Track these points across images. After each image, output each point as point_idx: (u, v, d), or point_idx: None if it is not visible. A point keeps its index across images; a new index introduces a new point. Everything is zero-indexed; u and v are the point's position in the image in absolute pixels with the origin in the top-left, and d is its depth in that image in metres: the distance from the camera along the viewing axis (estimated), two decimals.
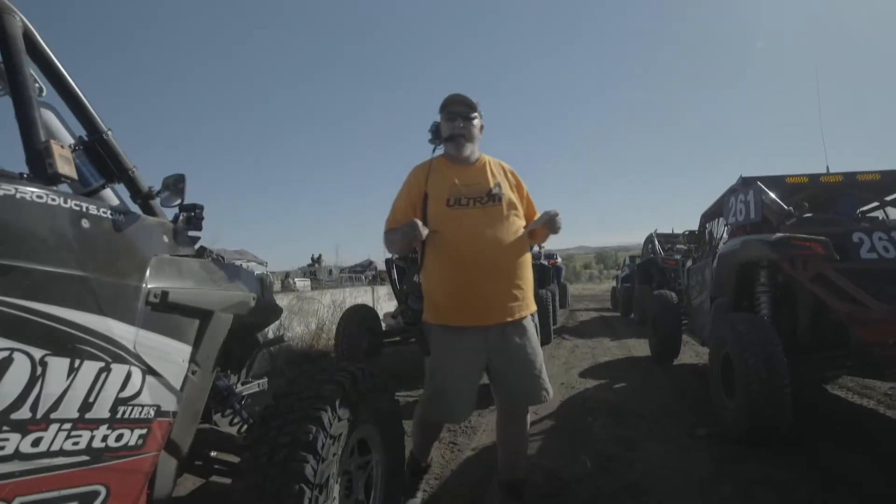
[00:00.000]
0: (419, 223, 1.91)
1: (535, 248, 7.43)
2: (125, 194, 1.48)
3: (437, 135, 2.15)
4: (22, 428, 0.90)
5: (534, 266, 6.62)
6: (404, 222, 1.99)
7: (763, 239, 3.16)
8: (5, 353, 0.88)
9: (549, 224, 2.04)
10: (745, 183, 3.86)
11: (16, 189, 0.94)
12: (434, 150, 2.16)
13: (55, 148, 1.06)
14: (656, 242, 10.35)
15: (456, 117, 2.06)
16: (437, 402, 2.01)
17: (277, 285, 25.91)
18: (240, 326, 1.69)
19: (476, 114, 2.09)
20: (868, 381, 4.26)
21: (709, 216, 5.11)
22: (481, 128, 2.14)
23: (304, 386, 1.53)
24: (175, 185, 1.48)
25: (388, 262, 5.52)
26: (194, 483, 1.89)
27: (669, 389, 4.45)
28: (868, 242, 3.11)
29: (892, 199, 3.89)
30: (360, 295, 8.39)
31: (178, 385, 1.24)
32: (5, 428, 0.87)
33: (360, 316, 5.14)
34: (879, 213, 4.10)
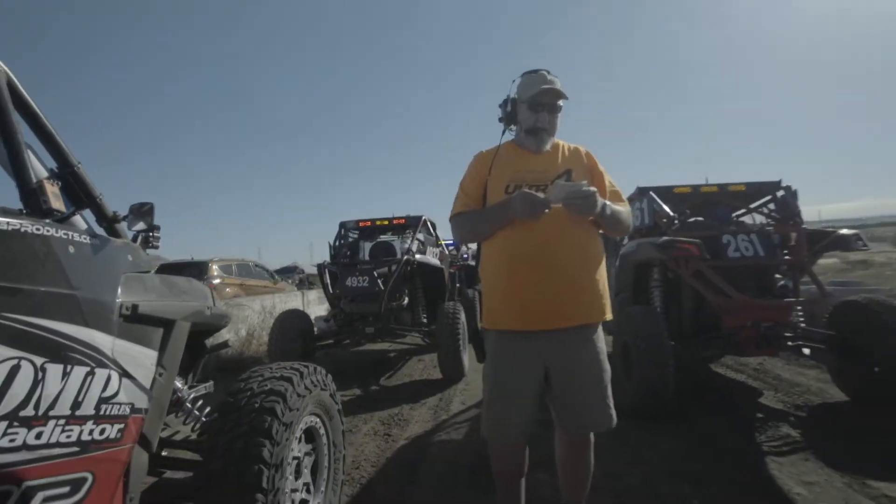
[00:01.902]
0: (534, 193, 1.63)
1: (465, 248, 7.75)
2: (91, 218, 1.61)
3: (510, 118, 1.87)
4: (27, 423, 1.06)
5: (462, 266, 6.98)
6: (478, 206, 1.82)
7: (652, 242, 3.69)
8: (14, 361, 1.04)
9: (572, 203, 1.60)
10: (641, 192, 4.44)
11: (20, 224, 1.10)
12: (504, 133, 1.90)
13: (48, 186, 1.21)
14: None
15: (541, 108, 1.78)
16: (489, 419, 1.79)
17: None
18: (190, 334, 1.86)
19: (562, 102, 1.82)
20: (743, 360, 5.01)
21: None
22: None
23: (256, 383, 1.74)
24: (139, 210, 1.63)
25: (320, 266, 5.66)
26: (145, 483, 2.02)
27: None
28: (734, 243, 3.74)
29: (757, 206, 4.61)
30: (290, 300, 8.37)
31: (148, 385, 1.41)
32: (15, 423, 1.04)
33: (292, 321, 5.23)
34: (748, 218, 4.84)
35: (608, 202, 1.74)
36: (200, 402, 2.00)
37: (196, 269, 9.28)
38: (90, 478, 1.21)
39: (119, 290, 1.37)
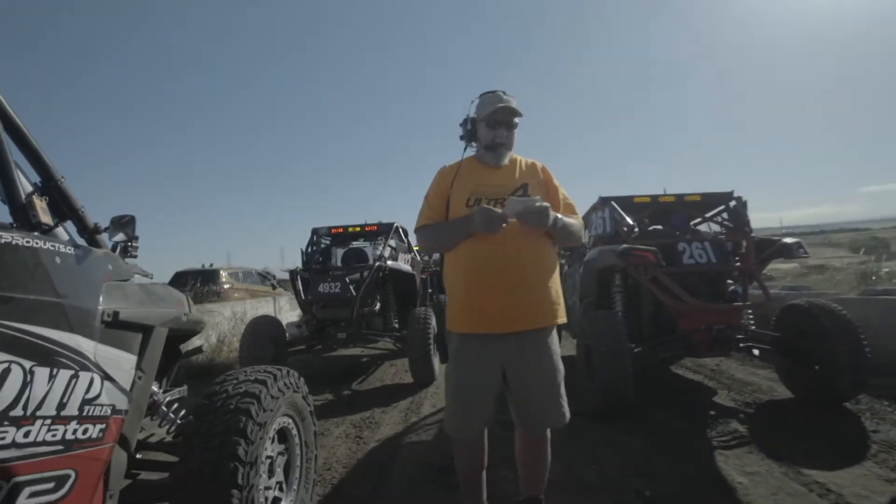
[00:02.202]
0: (492, 209, 1.78)
1: (426, 258, 7.84)
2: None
3: (471, 135, 2.00)
4: (17, 423, 1.13)
5: (434, 272, 7.03)
6: (442, 219, 1.94)
7: (612, 249, 3.89)
8: (5, 365, 1.12)
9: (525, 217, 1.74)
10: (603, 202, 4.65)
11: (12, 237, 1.18)
12: (465, 150, 2.03)
13: (36, 202, 1.28)
14: None
15: (499, 126, 1.91)
16: (450, 414, 1.93)
17: None
18: (166, 339, 1.94)
19: (518, 119, 1.95)
20: (701, 361, 5.28)
21: None
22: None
23: (231, 385, 1.82)
24: (119, 222, 1.70)
25: (292, 272, 5.70)
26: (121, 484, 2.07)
27: None
28: (689, 251, 3.97)
29: (711, 216, 4.88)
30: (261, 306, 8.34)
31: (127, 388, 1.49)
32: (5, 423, 1.11)
33: (264, 326, 5.25)
34: (704, 226, 5.10)
35: (560, 216, 1.89)
36: (175, 406, 2.06)
37: (210, 276, 10.94)
38: (73, 475, 1.28)
39: (101, 298, 1.44)
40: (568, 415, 1.91)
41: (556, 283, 1.93)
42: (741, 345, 3.84)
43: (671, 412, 3.71)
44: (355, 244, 6.79)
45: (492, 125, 1.92)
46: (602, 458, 2.90)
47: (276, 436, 2.00)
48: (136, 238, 1.72)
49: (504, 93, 1.97)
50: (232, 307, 7.52)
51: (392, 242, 6.13)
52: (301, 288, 5.42)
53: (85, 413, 1.32)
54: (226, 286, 10.79)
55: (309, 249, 6.14)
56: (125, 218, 1.73)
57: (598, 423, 3.49)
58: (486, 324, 1.83)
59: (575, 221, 1.98)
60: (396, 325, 5.80)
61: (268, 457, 1.91)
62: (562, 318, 1.92)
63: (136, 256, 1.74)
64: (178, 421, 1.99)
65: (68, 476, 1.27)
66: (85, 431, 1.32)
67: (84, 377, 1.32)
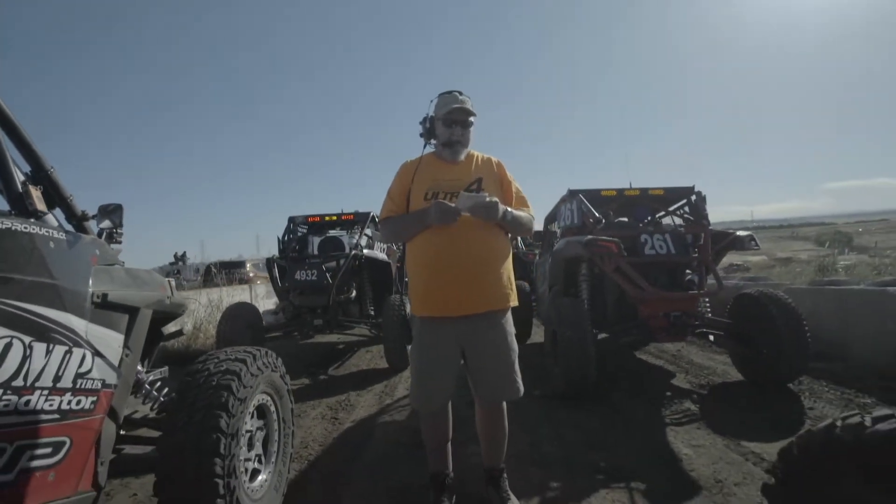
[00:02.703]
0: (447, 203, 1.94)
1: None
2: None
3: (430, 133, 2.15)
4: (18, 392, 1.25)
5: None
6: (403, 211, 2.09)
7: (578, 240, 4.09)
8: (7, 340, 1.22)
9: (476, 211, 1.91)
10: (571, 194, 4.85)
11: (11, 223, 1.28)
12: (425, 146, 2.18)
13: (32, 190, 1.38)
14: (518, 239, 11.63)
15: (454, 124, 2.06)
16: (414, 390, 2.12)
17: None
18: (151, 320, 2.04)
19: (473, 118, 2.10)
20: (664, 346, 5.58)
21: (549, 220, 6.17)
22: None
23: (213, 364, 1.95)
24: (106, 210, 1.80)
25: (269, 260, 5.77)
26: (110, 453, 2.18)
27: (519, 364, 5.35)
28: (650, 242, 4.20)
29: (674, 209, 5.12)
30: (237, 294, 8.36)
31: (116, 364, 1.60)
32: (9, 392, 1.22)
33: (241, 312, 5.33)
34: (667, 220, 5.35)
35: (510, 209, 2.07)
36: (158, 384, 2.17)
37: (237, 266, 15.50)
38: (68, 442, 1.40)
39: (91, 280, 1.55)
40: (521, 388, 2.11)
41: (508, 269, 2.11)
42: (697, 331, 4.09)
43: (631, 394, 3.95)
44: (332, 233, 6.88)
45: (448, 124, 2.08)
46: (564, 436, 3.11)
47: (255, 411, 2.14)
48: (121, 225, 1.82)
49: (460, 93, 2.12)
50: (208, 294, 7.54)
51: (368, 231, 6.24)
52: (277, 275, 5.50)
53: (78, 386, 1.43)
54: (250, 274, 13.82)
55: (286, 237, 6.21)
56: (111, 206, 1.83)
57: (564, 405, 3.70)
58: (444, 308, 2.01)
59: (525, 214, 2.16)
60: (372, 312, 5.94)
61: (247, 431, 2.04)
62: (513, 302, 2.10)
63: (120, 242, 1.84)
64: (161, 398, 2.10)
65: (63, 442, 1.38)
66: (78, 402, 1.43)
67: (77, 353, 1.43)
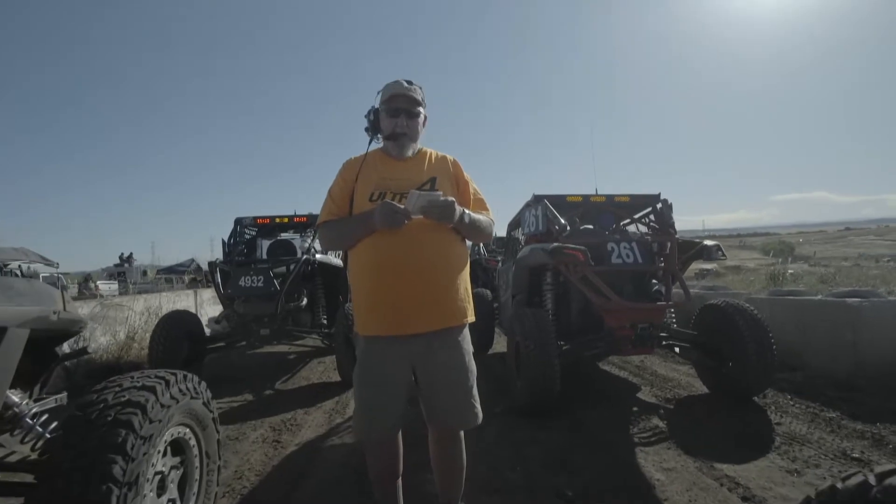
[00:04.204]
0: (394, 204, 1.68)
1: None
2: None
3: (374, 126, 1.88)
4: None
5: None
6: (345, 214, 1.83)
7: (543, 247, 3.89)
8: None
9: (429, 212, 1.65)
10: (536, 199, 4.65)
11: None
12: (370, 142, 1.91)
13: None
14: (481, 245, 11.43)
15: (399, 113, 1.81)
16: (357, 419, 1.82)
17: (73, 290, 22.24)
18: (35, 341, 1.66)
19: (421, 108, 1.87)
20: (627, 358, 5.45)
21: (513, 225, 5.97)
22: (425, 120, 1.91)
23: (112, 394, 1.59)
24: None
25: (211, 265, 5.32)
26: None
27: (480, 377, 5.05)
28: (617, 251, 4.04)
29: (639, 217, 5.01)
30: (180, 300, 7.77)
31: None
32: None
33: (177, 322, 4.86)
34: (632, 227, 5.24)
35: (468, 211, 1.81)
36: (45, 417, 1.78)
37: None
38: None
39: None
40: (480, 415, 1.84)
41: (465, 280, 1.84)
42: (663, 343, 3.96)
43: (596, 408, 3.77)
44: (284, 236, 6.45)
45: (392, 113, 1.83)
46: (526, 456, 2.89)
47: (168, 448, 1.79)
48: None
49: (408, 82, 1.86)
50: (145, 300, 6.96)
51: None
52: (220, 281, 5.06)
53: None
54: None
55: (231, 240, 5.75)
56: None
57: (526, 420, 3.48)
58: (392, 325, 1.73)
59: (484, 218, 1.90)
60: (325, 322, 5.56)
61: (157, 473, 1.70)
62: (470, 318, 1.83)
63: None
64: (48, 435, 1.72)
65: None
66: None
67: None
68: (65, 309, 1.72)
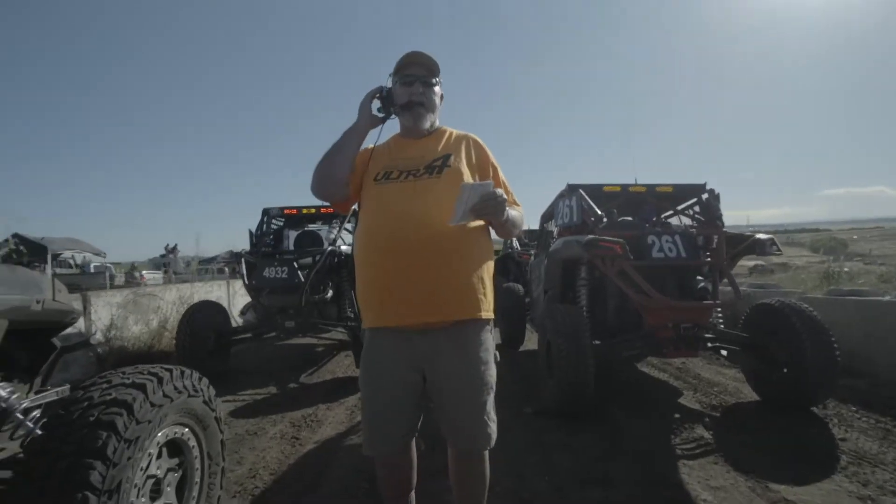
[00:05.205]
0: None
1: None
2: None
3: (388, 103, 1.71)
4: None
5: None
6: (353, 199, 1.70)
7: (578, 240, 3.63)
8: None
9: (481, 209, 1.45)
10: (571, 190, 4.38)
11: None
12: (382, 127, 1.73)
13: None
14: (514, 238, 11.16)
15: (414, 81, 1.67)
16: (363, 433, 1.65)
17: (121, 278, 23.12)
18: (24, 332, 1.56)
19: (437, 79, 1.71)
20: (667, 359, 5.11)
21: (546, 217, 5.69)
22: (441, 97, 1.75)
23: (99, 391, 1.47)
24: None
25: (237, 255, 5.29)
26: None
27: (510, 374, 4.89)
28: (658, 244, 3.74)
29: (683, 208, 4.66)
30: (212, 290, 7.84)
31: None
32: None
33: (204, 313, 4.84)
34: (675, 219, 4.90)
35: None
36: (38, 412, 1.68)
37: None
38: None
39: None
40: (493, 436, 1.58)
41: (484, 272, 1.59)
42: (709, 345, 3.64)
43: (633, 413, 3.50)
44: (311, 227, 6.37)
45: (406, 82, 1.66)
46: (556, 463, 2.67)
47: (164, 450, 1.66)
48: None
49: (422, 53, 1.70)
50: (178, 290, 7.02)
51: (349, 226, 5.76)
52: (246, 272, 5.00)
53: None
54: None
55: (258, 231, 5.70)
56: None
57: (556, 423, 3.26)
58: (391, 313, 1.53)
59: (517, 213, 1.66)
60: (351, 315, 5.44)
61: (149, 477, 1.57)
62: (485, 313, 1.58)
63: None
64: (38, 431, 1.62)
65: None
66: None
67: None
68: (54, 298, 1.61)
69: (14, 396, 1.61)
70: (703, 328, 3.59)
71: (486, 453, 1.64)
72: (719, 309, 3.88)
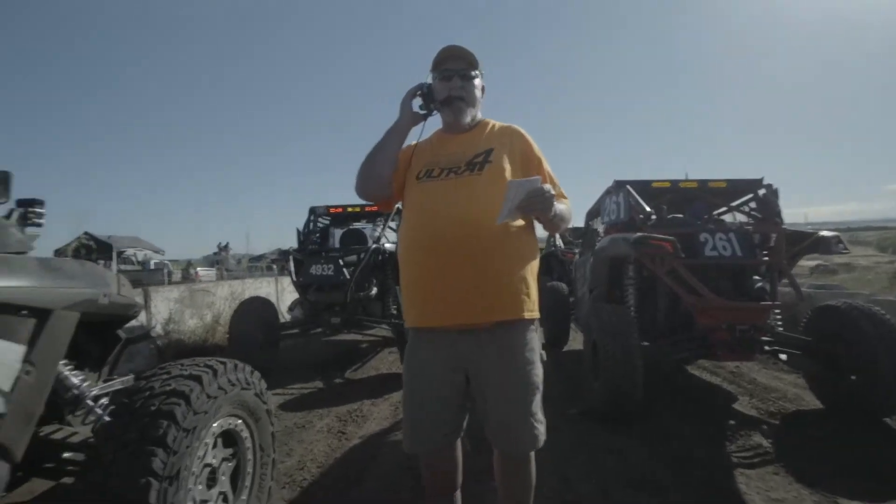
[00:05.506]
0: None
1: None
2: None
3: (429, 99, 1.70)
4: None
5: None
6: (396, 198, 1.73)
7: (626, 237, 3.52)
8: None
9: (528, 205, 1.41)
10: (618, 186, 4.26)
11: None
12: (424, 124, 1.72)
13: None
14: (557, 236, 10.96)
15: (453, 76, 1.65)
16: (404, 430, 1.64)
17: (177, 275, 24.31)
18: (95, 324, 1.65)
19: (477, 72, 1.69)
20: (720, 363, 4.90)
21: (591, 214, 5.56)
22: (482, 90, 1.73)
23: (159, 382, 1.54)
24: (2, 182, 1.40)
25: (285, 253, 5.45)
26: (44, 486, 1.82)
27: (554, 375, 4.82)
28: (711, 242, 3.58)
29: (738, 204, 4.46)
30: (262, 286, 8.11)
31: (6, 386, 1.21)
32: None
33: (254, 309, 5.02)
34: (728, 216, 4.68)
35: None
36: (105, 400, 1.78)
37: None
38: None
39: None
40: (541, 438, 1.54)
41: (529, 270, 1.55)
42: (766, 348, 3.46)
43: (685, 418, 3.36)
44: (356, 225, 6.49)
45: (445, 77, 1.65)
46: (604, 466, 2.60)
47: (219, 440, 1.73)
48: (41, 203, 1.43)
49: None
50: (230, 286, 7.31)
51: (393, 224, 5.82)
52: (294, 269, 5.15)
53: None
54: None
55: (306, 229, 5.86)
56: (2, 176, 1.42)
57: (602, 426, 3.18)
58: (434, 314, 1.52)
59: (566, 207, 1.60)
60: (395, 312, 5.50)
61: (206, 465, 1.64)
62: (528, 313, 1.53)
63: (40, 224, 1.45)
64: (106, 417, 1.72)
65: None
66: None
67: None
68: (119, 292, 1.71)
69: (85, 384, 1.71)
70: (761, 330, 3.42)
71: (532, 455, 1.60)
72: (778, 310, 3.68)
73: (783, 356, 3.48)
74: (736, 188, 4.31)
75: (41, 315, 1.33)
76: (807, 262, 14.92)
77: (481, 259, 1.48)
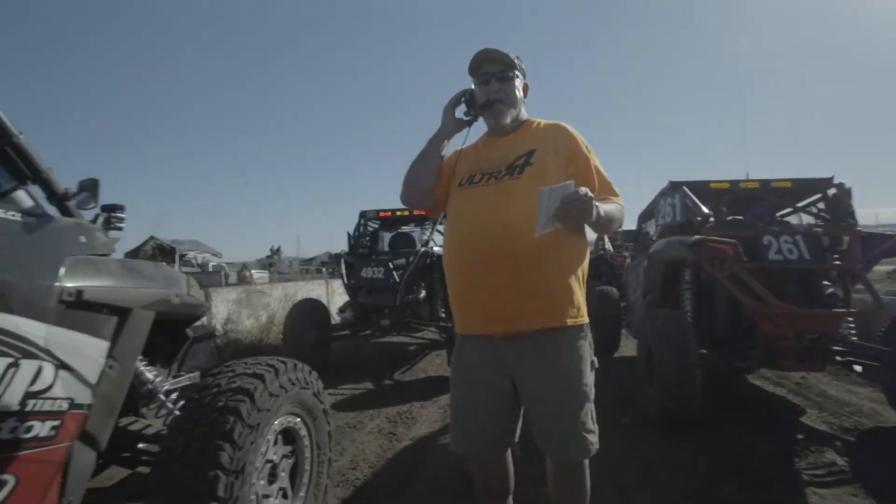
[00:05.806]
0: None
1: None
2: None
3: (472, 105, 1.69)
4: None
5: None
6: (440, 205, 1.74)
7: (683, 240, 3.40)
8: None
9: (565, 213, 1.33)
10: (673, 187, 4.11)
11: None
12: (468, 130, 1.72)
13: None
14: (606, 239, 10.70)
15: (490, 79, 1.63)
16: (451, 431, 1.65)
17: (233, 277, 25.45)
18: (165, 322, 1.75)
19: (515, 71, 1.66)
20: (784, 372, 4.63)
21: (644, 217, 5.40)
22: (525, 88, 1.71)
23: (225, 379, 1.61)
24: (91, 188, 1.52)
25: (336, 256, 5.60)
26: (121, 473, 1.94)
27: (605, 382, 4.69)
28: (776, 245, 3.40)
29: (805, 205, 4.21)
30: (313, 289, 8.36)
31: (93, 379, 1.30)
32: None
33: (306, 310, 5.18)
34: (794, 218, 4.43)
35: (596, 203, 1.42)
36: (175, 395, 1.89)
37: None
38: (12, 480, 1.10)
39: (61, 274, 1.25)
40: (593, 447, 1.50)
41: (577, 275, 1.52)
42: (838, 358, 3.24)
43: (746, 430, 3.20)
44: (404, 228, 6.58)
45: (483, 81, 1.64)
46: (660, 478, 2.52)
47: (280, 437, 1.79)
48: (122, 208, 1.54)
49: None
50: (283, 288, 7.58)
51: (441, 227, 5.86)
52: (345, 272, 5.28)
53: (29, 408, 1.12)
54: None
55: (356, 233, 6.01)
56: (88, 182, 1.54)
57: (658, 435, 3.07)
58: (478, 322, 1.53)
59: (614, 207, 1.53)
60: (443, 315, 5.54)
61: (267, 461, 1.70)
62: (577, 318, 1.50)
63: (121, 228, 1.56)
64: (176, 412, 1.82)
65: (4, 482, 1.08)
66: (29, 430, 1.13)
67: (27, 366, 1.13)
68: (188, 293, 1.81)
69: (158, 380, 1.82)
70: (832, 340, 3.20)
71: (586, 463, 1.57)
72: (851, 318, 3.44)
73: (858, 367, 3.24)
74: (802, 188, 4.07)
75: (122, 313, 1.43)
76: (882, 267, 13.88)
77: (518, 266, 1.45)
